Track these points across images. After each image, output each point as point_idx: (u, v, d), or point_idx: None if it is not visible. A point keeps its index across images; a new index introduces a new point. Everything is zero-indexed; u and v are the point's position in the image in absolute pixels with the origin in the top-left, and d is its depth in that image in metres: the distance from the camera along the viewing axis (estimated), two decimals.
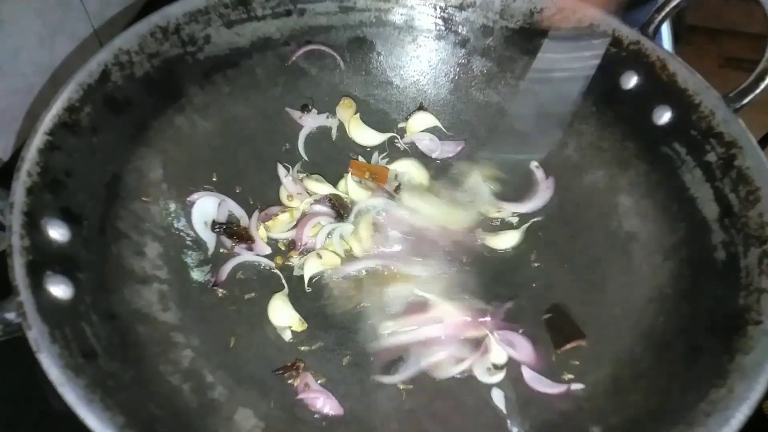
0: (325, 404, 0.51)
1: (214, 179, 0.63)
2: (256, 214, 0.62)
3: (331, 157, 0.69)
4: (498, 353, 0.55)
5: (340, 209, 0.64)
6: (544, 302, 0.60)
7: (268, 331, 0.57)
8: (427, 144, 0.71)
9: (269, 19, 0.65)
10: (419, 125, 0.71)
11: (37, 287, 0.41)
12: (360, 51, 0.70)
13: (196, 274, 0.58)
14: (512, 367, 0.55)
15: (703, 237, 0.53)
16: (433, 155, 0.70)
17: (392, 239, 0.62)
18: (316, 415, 0.51)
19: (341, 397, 0.52)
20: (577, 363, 0.55)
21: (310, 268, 0.60)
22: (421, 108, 0.72)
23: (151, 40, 0.57)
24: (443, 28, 0.70)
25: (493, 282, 0.61)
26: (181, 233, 0.59)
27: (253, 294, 0.59)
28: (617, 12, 0.62)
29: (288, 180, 0.65)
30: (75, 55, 0.77)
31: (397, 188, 0.65)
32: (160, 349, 0.50)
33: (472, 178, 0.66)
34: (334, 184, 0.67)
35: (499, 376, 0.54)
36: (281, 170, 0.66)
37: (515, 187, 0.67)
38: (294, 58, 0.68)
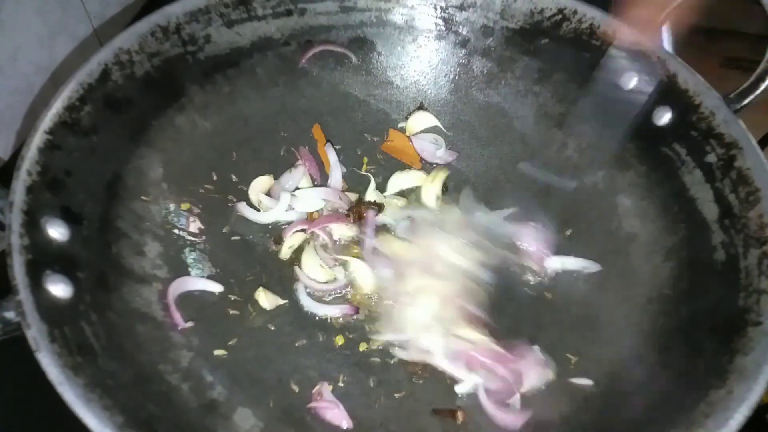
0: (334, 417, 0.51)
1: (214, 178, 0.63)
2: None
3: None
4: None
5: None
6: (544, 303, 0.60)
7: (269, 330, 0.57)
8: (428, 146, 0.71)
9: (270, 19, 0.65)
10: (419, 125, 0.71)
11: (37, 286, 0.41)
12: (360, 51, 0.70)
13: (196, 274, 0.58)
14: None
15: (703, 238, 0.53)
16: (434, 160, 0.70)
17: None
18: (313, 413, 0.51)
19: (340, 396, 0.53)
20: (576, 364, 0.55)
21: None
22: (421, 107, 0.72)
23: (151, 39, 0.57)
24: (444, 29, 0.70)
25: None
26: (181, 232, 0.59)
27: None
28: None
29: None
30: (75, 54, 0.77)
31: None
32: (159, 349, 0.50)
33: None
34: None
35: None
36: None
37: None
38: (304, 61, 0.68)
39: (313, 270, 0.60)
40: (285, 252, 0.61)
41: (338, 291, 0.60)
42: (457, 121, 0.72)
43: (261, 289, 0.58)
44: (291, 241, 0.62)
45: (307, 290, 0.59)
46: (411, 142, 0.71)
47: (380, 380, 0.55)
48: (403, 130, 0.72)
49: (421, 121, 0.72)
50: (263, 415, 0.50)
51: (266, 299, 0.57)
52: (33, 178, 0.45)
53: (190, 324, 0.53)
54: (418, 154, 0.71)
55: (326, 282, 0.60)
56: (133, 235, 0.54)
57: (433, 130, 0.72)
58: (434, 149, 0.71)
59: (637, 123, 0.60)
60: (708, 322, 0.48)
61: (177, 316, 0.53)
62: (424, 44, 0.71)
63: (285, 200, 0.62)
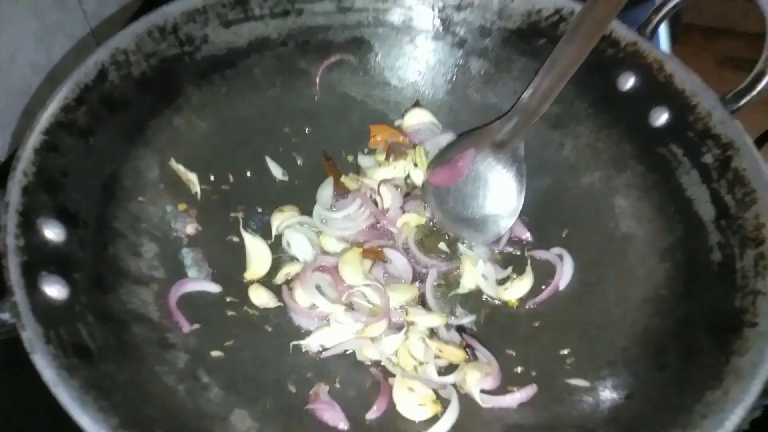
0: (331, 418, 0.51)
1: (211, 179, 0.63)
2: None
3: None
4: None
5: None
6: (540, 304, 0.60)
7: (265, 332, 0.57)
8: (425, 134, 0.71)
9: (267, 19, 0.65)
10: (415, 121, 0.71)
11: (32, 288, 0.41)
12: (358, 51, 0.70)
13: (193, 275, 0.58)
14: None
15: (700, 238, 0.53)
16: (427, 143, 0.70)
17: None
18: (310, 413, 0.51)
19: (337, 397, 0.52)
20: (572, 364, 0.55)
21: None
22: (417, 105, 0.72)
23: (148, 39, 0.57)
24: (441, 29, 0.70)
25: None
26: (178, 233, 0.59)
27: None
28: None
29: None
30: (72, 55, 0.77)
31: None
32: (155, 350, 0.50)
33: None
34: None
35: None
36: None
37: None
38: (317, 79, 0.68)
39: (301, 298, 0.58)
40: (280, 277, 0.60)
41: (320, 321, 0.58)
42: (455, 121, 0.72)
43: (255, 284, 0.58)
44: (289, 269, 0.61)
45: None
46: (406, 135, 0.71)
47: (377, 381, 0.55)
48: (399, 128, 0.72)
49: (417, 117, 0.71)
50: (260, 417, 0.50)
51: (257, 296, 0.57)
52: (29, 179, 0.45)
53: (196, 326, 0.53)
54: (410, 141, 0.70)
55: (309, 308, 0.58)
56: (129, 236, 0.54)
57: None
58: (431, 135, 0.70)
59: (633, 124, 0.60)
60: (704, 323, 0.48)
61: (182, 319, 0.53)
62: (421, 45, 0.71)
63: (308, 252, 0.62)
